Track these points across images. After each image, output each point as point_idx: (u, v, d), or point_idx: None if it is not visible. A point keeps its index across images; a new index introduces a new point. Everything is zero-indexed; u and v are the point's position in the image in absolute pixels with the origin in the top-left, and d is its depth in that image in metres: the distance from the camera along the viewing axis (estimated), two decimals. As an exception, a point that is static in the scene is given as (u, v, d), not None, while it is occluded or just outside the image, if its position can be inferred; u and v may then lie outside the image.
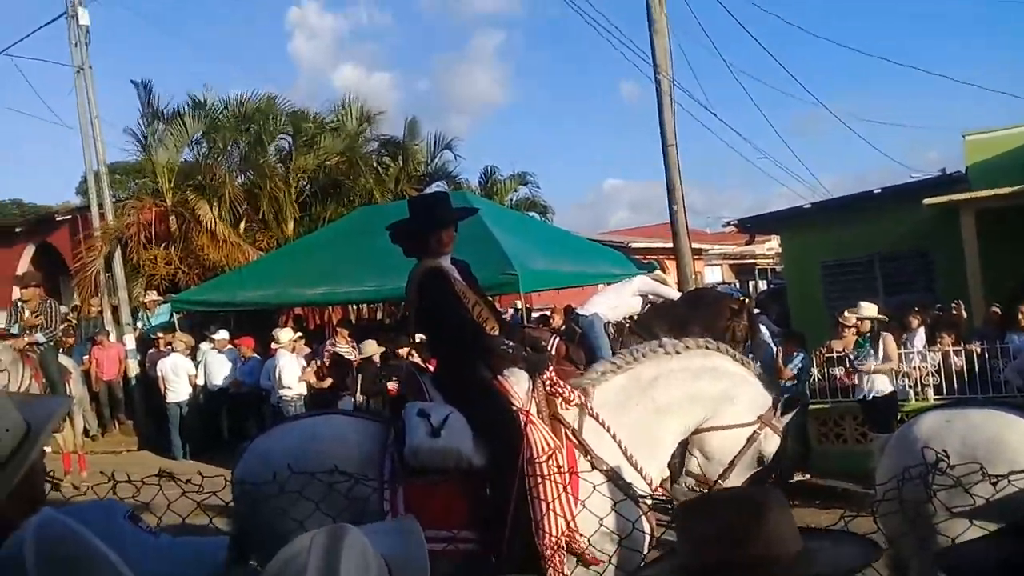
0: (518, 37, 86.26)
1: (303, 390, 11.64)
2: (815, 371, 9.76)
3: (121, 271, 16.05)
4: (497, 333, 4.15)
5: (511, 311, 14.04)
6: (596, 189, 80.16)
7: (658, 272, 11.17)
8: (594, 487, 3.66)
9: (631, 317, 9.37)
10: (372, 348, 11.27)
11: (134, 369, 14.70)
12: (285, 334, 12.18)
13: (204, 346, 13.51)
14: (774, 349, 9.94)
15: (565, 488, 3.75)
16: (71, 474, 9.94)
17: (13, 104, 41.74)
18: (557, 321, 13.45)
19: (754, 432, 4.16)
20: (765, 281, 25.25)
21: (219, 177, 17.53)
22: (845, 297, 12.18)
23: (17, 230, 20.04)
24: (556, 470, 3.76)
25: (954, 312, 10.46)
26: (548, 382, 4.06)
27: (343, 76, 72.99)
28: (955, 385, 9.09)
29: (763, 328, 10.28)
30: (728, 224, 16.82)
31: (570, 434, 3.96)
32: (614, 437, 3.96)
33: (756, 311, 11.16)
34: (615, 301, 9.23)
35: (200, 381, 13.10)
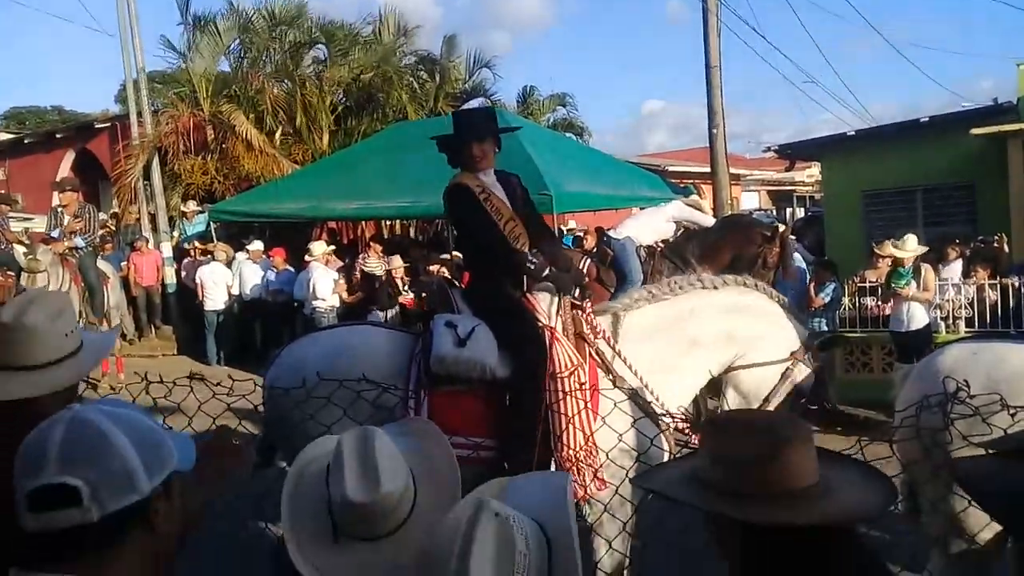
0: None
1: (336, 302, 11.82)
2: (846, 300, 9.67)
3: (159, 179, 16.21)
4: (526, 249, 4.12)
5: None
6: (636, 111, 78.84)
7: (694, 197, 11.03)
8: (614, 404, 3.70)
9: (663, 241, 9.32)
10: (396, 263, 11.42)
11: (171, 276, 14.97)
12: (319, 247, 12.33)
13: (239, 256, 13.71)
14: (808, 275, 9.86)
15: (586, 404, 3.81)
16: (108, 375, 10.26)
17: (54, 11, 41.55)
18: (590, 243, 13.43)
19: (787, 368, 4.18)
20: (803, 208, 24.87)
21: (255, 86, 17.49)
22: (884, 227, 11.98)
23: (57, 136, 20.23)
24: (578, 386, 3.82)
25: (996, 245, 10.25)
26: (576, 304, 4.09)
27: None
28: (988, 319, 8.97)
29: (797, 255, 10.19)
30: (768, 149, 16.49)
31: (593, 352, 4.01)
32: (625, 362, 3.99)
33: (792, 238, 11.06)
34: (648, 225, 9.19)
35: (235, 291, 13.33)
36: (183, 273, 14.74)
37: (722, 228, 8.98)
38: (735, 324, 4.15)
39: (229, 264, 13.67)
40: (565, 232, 14.88)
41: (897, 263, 8.58)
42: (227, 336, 13.34)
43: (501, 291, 4.08)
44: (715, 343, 4.13)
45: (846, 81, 76.96)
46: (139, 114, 16.54)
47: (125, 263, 14.23)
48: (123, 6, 16.66)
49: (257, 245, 13.57)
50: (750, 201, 26.23)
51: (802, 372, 4.21)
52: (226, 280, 13.33)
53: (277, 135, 17.49)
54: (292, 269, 12.95)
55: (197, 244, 14.56)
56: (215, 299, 13.21)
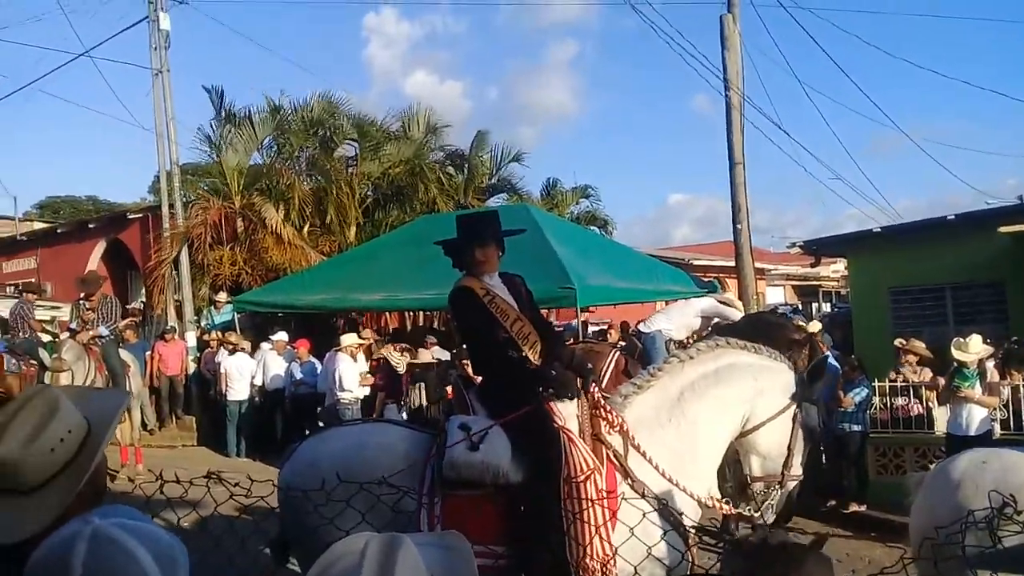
0: (590, 49, 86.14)
1: (361, 394, 11.75)
2: (876, 400, 9.47)
3: (187, 270, 16.43)
4: (538, 349, 4.11)
5: (566, 324, 13.97)
6: (660, 204, 79.67)
7: (729, 295, 10.95)
8: (644, 514, 3.54)
9: (693, 336, 9.26)
10: (424, 356, 11.34)
11: (193, 366, 15.01)
12: (349, 338, 12.29)
13: (263, 346, 13.73)
14: (838, 368, 9.70)
15: (603, 510, 3.69)
16: (127, 466, 10.18)
17: (92, 104, 43.08)
18: (613, 336, 13.34)
19: (795, 413, 4.11)
20: (829, 304, 24.71)
21: (286, 180, 17.86)
22: (913, 326, 11.82)
23: (90, 226, 20.67)
24: (595, 492, 3.71)
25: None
26: (593, 401, 4.01)
27: (414, 82, 73.83)
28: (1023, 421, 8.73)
29: (828, 351, 10.04)
30: (794, 245, 16.47)
31: (611, 455, 3.91)
32: (650, 461, 3.90)
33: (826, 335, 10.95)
34: (678, 319, 9.15)
35: (258, 381, 13.31)
36: (202, 363, 14.77)
37: (750, 326, 8.89)
38: (729, 390, 4.07)
39: (252, 355, 13.69)
40: (584, 324, 14.79)
41: (961, 364, 8.42)
42: (248, 427, 13.26)
43: (515, 392, 4.01)
44: (718, 415, 4.05)
45: (871, 177, 77.47)
46: (171, 206, 16.91)
47: (149, 353, 14.30)
48: (159, 101, 17.24)
49: (281, 336, 13.61)
50: (775, 296, 26.12)
51: (809, 411, 4.17)
52: (250, 371, 13.33)
53: (306, 228, 17.77)
54: (316, 361, 12.93)
55: (216, 335, 14.62)
56: (238, 390, 13.19)
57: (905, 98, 62.46)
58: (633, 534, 3.44)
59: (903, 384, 9.41)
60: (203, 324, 16.19)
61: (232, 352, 13.51)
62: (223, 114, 18.60)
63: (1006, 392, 8.89)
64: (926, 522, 3.48)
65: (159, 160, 17.68)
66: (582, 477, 3.71)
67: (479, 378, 4.58)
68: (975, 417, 8.35)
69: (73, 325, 10.39)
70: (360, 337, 12.65)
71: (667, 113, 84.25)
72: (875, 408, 9.49)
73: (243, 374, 13.25)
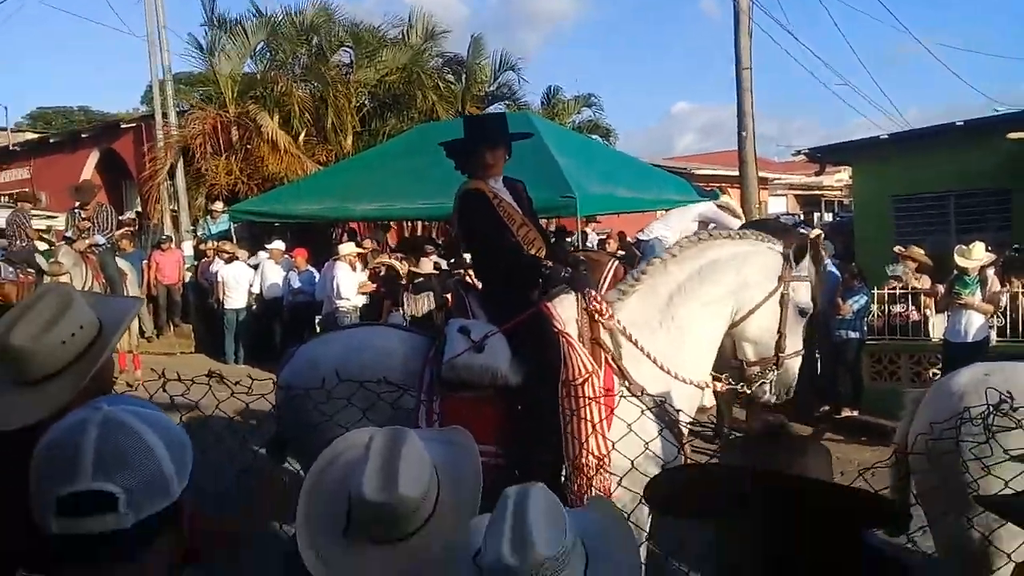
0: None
1: (359, 302, 11.77)
2: (875, 307, 9.46)
3: (182, 180, 16.26)
4: (543, 253, 4.10)
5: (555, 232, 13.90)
6: (665, 112, 78.52)
7: (726, 199, 10.76)
8: (641, 411, 3.61)
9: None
10: (426, 266, 11.35)
11: (190, 275, 15.01)
12: (347, 247, 12.24)
13: (261, 255, 13.69)
14: (838, 276, 9.66)
15: (601, 410, 3.70)
16: (126, 372, 10.26)
17: (83, 12, 42.05)
18: (612, 246, 13.27)
19: (781, 295, 4.04)
20: (831, 214, 24.54)
21: (281, 88, 17.51)
22: (915, 233, 11.75)
23: (83, 136, 20.40)
24: (593, 392, 3.71)
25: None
26: (590, 303, 3.96)
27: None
28: (1020, 328, 8.72)
29: (828, 259, 10.01)
30: (798, 153, 16.26)
31: (609, 359, 3.90)
32: (648, 355, 3.88)
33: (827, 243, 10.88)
34: (676, 226, 9.04)
35: (256, 290, 13.31)
36: (199, 272, 14.76)
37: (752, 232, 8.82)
38: (714, 288, 4.01)
39: (249, 264, 13.66)
40: (584, 234, 14.70)
41: (961, 271, 8.37)
42: (246, 335, 13.32)
43: (516, 297, 4.01)
44: (706, 314, 4.01)
45: (883, 86, 76.09)
46: (164, 115, 16.62)
47: (145, 261, 14.27)
48: (151, 8, 16.80)
49: (278, 245, 13.55)
50: (778, 205, 25.90)
51: (800, 287, 4.07)
52: (248, 279, 13.32)
53: (302, 136, 17.50)
54: (313, 270, 12.91)
55: (213, 244, 14.56)
56: (236, 298, 13.21)
57: (919, 3, 60.77)
58: (631, 430, 3.45)
59: (901, 291, 9.38)
60: (199, 234, 16.12)
61: (229, 261, 13.47)
62: (215, 19, 18.12)
63: (1004, 299, 8.86)
64: (923, 428, 3.47)
65: (151, 69, 17.36)
66: (580, 380, 3.72)
67: (479, 283, 4.53)
68: (973, 324, 8.34)
69: (69, 233, 10.35)
70: (360, 246, 12.59)
71: (673, 19, 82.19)
72: (873, 315, 9.48)
73: (240, 283, 13.25)
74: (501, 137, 4.19)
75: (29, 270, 9.96)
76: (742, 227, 9.40)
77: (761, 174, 16.13)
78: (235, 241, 13.98)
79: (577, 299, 3.98)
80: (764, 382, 4.09)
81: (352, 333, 4.59)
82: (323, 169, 15.87)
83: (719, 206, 9.39)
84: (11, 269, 10.24)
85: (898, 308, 9.38)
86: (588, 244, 13.41)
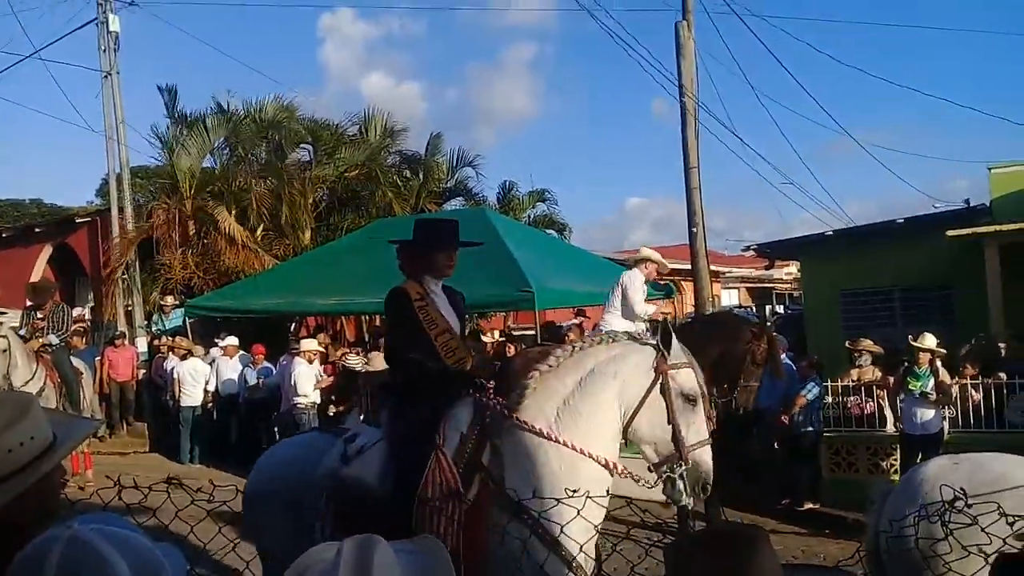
0: (548, 52, 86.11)
1: (317, 398, 11.62)
2: (829, 399, 9.65)
3: (138, 274, 16.13)
4: (466, 364, 4.08)
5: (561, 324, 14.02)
6: (618, 207, 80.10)
7: (646, 251, 10.08)
8: (523, 541, 3.55)
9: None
10: (378, 362, 11.25)
11: (143, 372, 14.74)
12: (308, 343, 12.14)
13: (214, 351, 13.52)
14: (794, 368, 9.87)
15: (458, 534, 3.65)
16: (79, 475, 9.94)
17: (40, 106, 42.18)
18: (572, 338, 13.37)
19: (660, 386, 3.90)
20: (783, 306, 25.09)
21: (239, 183, 17.63)
22: (863, 327, 12.08)
23: (36, 231, 20.18)
24: (454, 513, 3.67)
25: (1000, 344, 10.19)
26: (488, 405, 3.95)
27: (371, 84, 73.01)
28: (971, 420, 8.95)
29: (783, 352, 10.20)
30: (748, 248, 16.71)
31: (483, 481, 3.81)
32: (556, 439, 3.79)
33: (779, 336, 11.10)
34: (626, 318, 8.90)
35: (211, 387, 13.10)
36: (153, 369, 14.50)
37: (707, 325, 8.91)
38: (598, 394, 3.91)
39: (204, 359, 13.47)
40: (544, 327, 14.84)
41: (912, 363, 8.62)
42: (202, 433, 13.03)
43: (406, 405, 4.04)
44: (596, 424, 3.89)
45: (824, 183, 78.84)
46: (120, 209, 16.59)
47: (98, 359, 14.01)
48: (109, 103, 16.94)
49: (232, 340, 13.38)
50: (730, 298, 26.42)
51: (680, 374, 3.94)
52: (204, 376, 13.11)
53: (259, 231, 17.55)
54: (270, 365, 12.78)
55: (167, 340, 14.36)
56: (192, 395, 12.96)
57: (857, 105, 63.66)
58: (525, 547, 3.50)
59: (855, 384, 9.59)
60: (153, 329, 15.90)
61: (184, 357, 13.28)
62: (176, 115, 18.33)
63: (955, 391, 9.11)
64: (887, 525, 3.56)
65: (108, 163, 17.39)
66: (436, 500, 3.70)
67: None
68: (927, 415, 8.55)
69: (23, 332, 10.16)
70: (319, 344, 12.51)
71: (624, 117, 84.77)
72: (827, 407, 9.66)
73: (196, 379, 13.03)
74: (453, 241, 4.29)
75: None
76: (700, 316, 9.43)
77: (713, 267, 16.50)
78: (190, 337, 13.81)
79: (473, 412, 3.94)
80: (676, 481, 3.90)
81: (288, 442, 4.97)
82: (280, 264, 15.89)
83: (637, 261, 9.06)
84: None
85: (852, 399, 9.56)
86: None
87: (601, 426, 3.89)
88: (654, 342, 4.01)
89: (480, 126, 79.53)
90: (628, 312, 8.66)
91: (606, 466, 3.81)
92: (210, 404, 13.14)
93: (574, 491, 3.42)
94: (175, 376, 13.15)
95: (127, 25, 17.54)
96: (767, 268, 20.03)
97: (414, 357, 4.04)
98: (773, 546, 1.73)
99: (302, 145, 19.35)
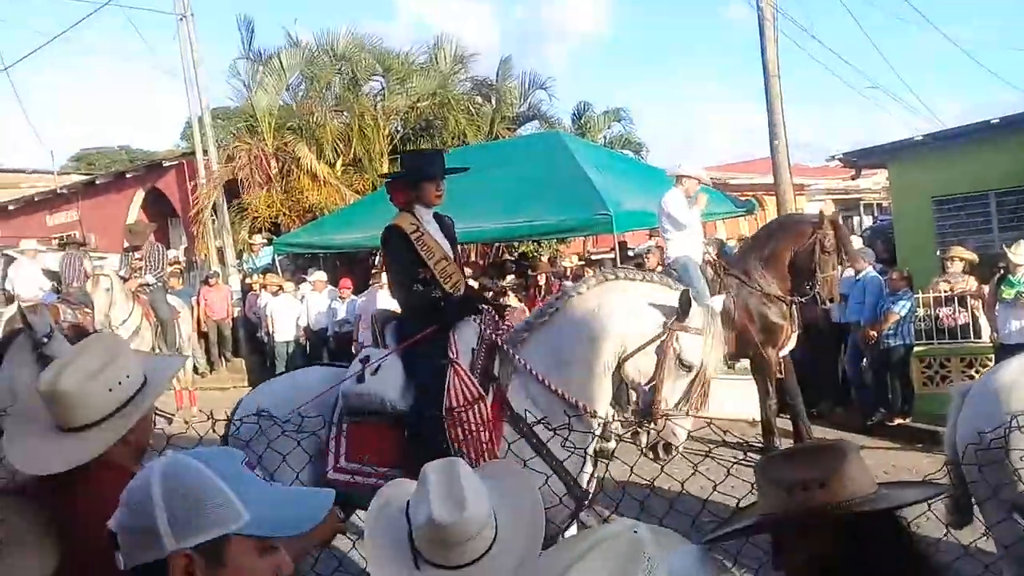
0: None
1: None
2: (921, 311, 9.37)
3: (226, 214, 16.59)
4: (461, 288, 4.39)
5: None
6: (699, 121, 77.99)
7: (686, 168, 9.61)
8: (527, 459, 3.73)
9: (719, 254, 9.12)
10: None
11: (238, 309, 15.29)
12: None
13: (303, 287, 13.91)
14: (882, 280, 9.61)
15: (489, 434, 3.94)
16: (183, 409, 10.48)
17: (119, 53, 43.19)
18: (652, 262, 13.26)
19: (662, 342, 4.02)
20: (871, 216, 24.28)
21: (316, 119, 17.82)
22: (957, 234, 11.63)
23: (127, 176, 20.88)
24: (479, 419, 3.95)
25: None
26: (489, 338, 4.22)
27: (439, 10, 72.13)
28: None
29: (869, 265, 9.94)
30: (833, 158, 16.14)
31: (497, 388, 4.10)
32: (543, 380, 4.04)
33: (860, 246, 10.81)
34: (688, 240, 8.68)
35: (303, 322, 13.51)
36: (247, 306, 15.02)
37: (772, 233, 8.82)
38: (606, 327, 4.07)
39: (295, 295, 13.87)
40: (623, 248, 14.76)
41: (1007, 270, 8.31)
42: (296, 367, 13.47)
43: (416, 326, 4.24)
44: (597, 354, 4.07)
45: (911, 84, 74.99)
46: (204, 151, 17.01)
47: (194, 298, 14.58)
48: (186, 46, 17.22)
49: (320, 275, 13.73)
50: (816, 211, 25.66)
51: (685, 339, 4.03)
52: (295, 312, 13.52)
53: (338, 165, 17.79)
54: (356, 298, 13.08)
55: (258, 278, 14.84)
56: (284, 330, 13.41)
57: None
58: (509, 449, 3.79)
59: (947, 294, 9.29)
60: (244, 267, 16.43)
61: (275, 294, 13.71)
62: (251, 55, 18.55)
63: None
64: (970, 430, 3.47)
65: (189, 106, 17.78)
66: (462, 406, 3.97)
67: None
68: (1022, 324, 8.25)
69: (122, 273, 10.65)
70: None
71: (701, 30, 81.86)
72: (919, 319, 9.40)
73: (288, 315, 13.46)
74: (439, 171, 4.44)
75: (87, 310, 10.25)
76: (763, 228, 9.12)
77: (797, 180, 16.03)
78: (280, 273, 14.23)
79: (479, 330, 4.24)
80: (640, 432, 4.08)
81: (279, 379, 5.04)
82: (360, 199, 16.11)
83: (679, 179, 8.77)
84: (69, 311, 10.56)
85: (945, 311, 9.28)
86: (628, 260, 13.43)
87: (591, 364, 4.07)
88: (678, 297, 4.08)
89: (551, 44, 77.97)
90: (680, 230, 8.50)
91: (586, 411, 4.00)
92: (302, 338, 13.58)
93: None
94: (268, 312, 13.62)
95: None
96: (853, 178, 19.28)
97: (416, 287, 4.30)
98: (863, 460, 1.74)
99: (373, 76, 19.37)
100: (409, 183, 4.45)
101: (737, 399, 9.20)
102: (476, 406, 3.96)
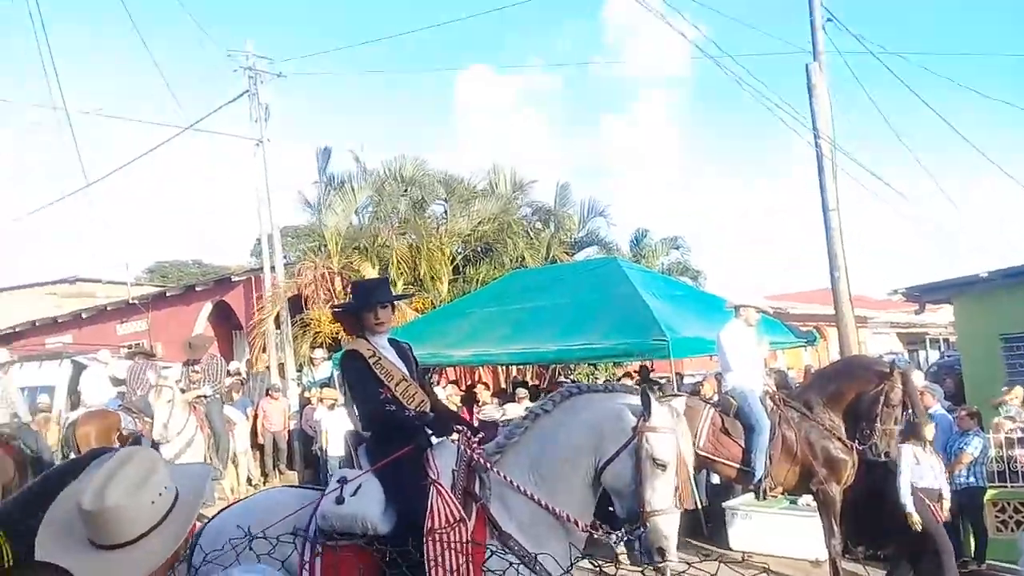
0: (681, 100, 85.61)
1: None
2: (992, 452, 9.00)
3: (288, 329, 16.95)
4: (426, 407, 4.39)
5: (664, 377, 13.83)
6: (755, 252, 78.06)
7: (743, 306, 9.59)
8: (510, 564, 3.59)
9: (780, 385, 9.00)
10: (513, 411, 11.39)
11: (294, 423, 15.41)
12: (440, 391, 12.45)
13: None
14: (951, 419, 9.28)
15: (468, 560, 3.81)
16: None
17: (195, 174, 45.41)
18: (707, 391, 13.09)
19: (635, 446, 3.95)
20: (937, 351, 23.73)
21: (382, 240, 18.37)
22: (1028, 373, 11.28)
23: (197, 289, 21.60)
24: (460, 542, 3.85)
25: None
26: (470, 453, 4.20)
27: (500, 139, 74.73)
28: None
29: (937, 402, 9.64)
30: (895, 292, 15.95)
31: (480, 508, 4.04)
32: (525, 492, 4.01)
33: (926, 382, 10.52)
34: (749, 371, 8.65)
35: (355, 437, 13.51)
36: (303, 420, 15.14)
37: (839, 372, 8.67)
38: (578, 440, 4.06)
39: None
40: (680, 376, 14.61)
41: None
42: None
43: (392, 447, 4.19)
44: (574, 468, 4.06)
45: (975, 221, 74.39)
46: (272, 267, 17.57)
47: (249, 409, 14.75)
48: (260, 169, 18.08)
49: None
50: (880, 344, 25.19)
51: (654, 439, 3.94)
52: (349, 426, 13.53)
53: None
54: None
55: (316, 392, 15.00)
56: (338, 445, 13.42)
57: (1004, 139, 59.94)
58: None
59: (1020, 436, 8.92)
60: (304, 381, 16.64)
61: (331, 408, 13.81)
62: (325, 177, 19.40)
63: None
64: None
65: (260, 225, 18.51)
66: (444, 528, 3.89)
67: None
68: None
69: (181, 385, 10.88)
70: (446, 397, 12.77)
71: (759, 164, 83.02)
72: (991, 461, 9.01)
73: (342, 430, 13.49)
74: (386, 298, 4.55)
75: (147, 419, 10.44)
76: (831, 366, 9.01)
77: (859, 312, 15.85)
78: (338, 388, 14.36)
79: (457, 449, 4.22)
80: (632, 543, 3.96)
81: (253, 498, 4.91)
82: (420, 316, 16.37)
83: (738, 309, 8.76)
84: (129, 418, 10.75)
85: (1020, 451, 8.89)
86: (685, 387, 13.29)
87: (571, 478, 4.06)
88: (637, 401, 4.08)
89: (610, 176, 79.68)
90: (737, 365, 8.47)
91: (569, 520, 3.97)
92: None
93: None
94: (323, 427, 13.68)
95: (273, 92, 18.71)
96: (917, 313, 19.00)
97: (380, 407, 4.30)
98: None
99: (437, 201, 20.00)
100: (351, 313, 4.59)
101: (799, 536, 8.85)
102: (457, 528, 3.92)
